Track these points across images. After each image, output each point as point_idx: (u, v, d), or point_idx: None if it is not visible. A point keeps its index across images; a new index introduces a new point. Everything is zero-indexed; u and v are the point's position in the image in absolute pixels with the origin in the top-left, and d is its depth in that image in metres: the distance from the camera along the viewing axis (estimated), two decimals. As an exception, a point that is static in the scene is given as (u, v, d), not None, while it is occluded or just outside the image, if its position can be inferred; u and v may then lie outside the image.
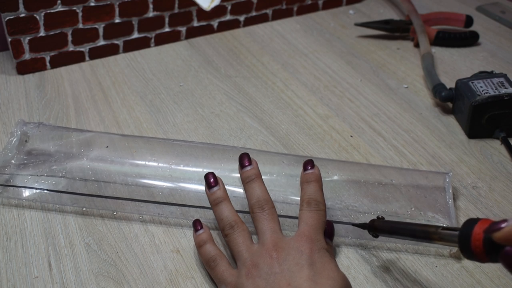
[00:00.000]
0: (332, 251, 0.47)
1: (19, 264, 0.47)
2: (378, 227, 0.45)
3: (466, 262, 0.48)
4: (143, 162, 0.54)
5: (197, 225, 0.48)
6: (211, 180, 0.48)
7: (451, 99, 0.66)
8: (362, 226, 0.47)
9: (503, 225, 0.34)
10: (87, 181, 0.53)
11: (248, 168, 0.48)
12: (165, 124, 0.65)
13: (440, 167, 0.59)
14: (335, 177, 0.54)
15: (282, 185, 0.52)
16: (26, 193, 0.52)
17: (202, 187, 0.50)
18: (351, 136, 0.64)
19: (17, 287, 0.45)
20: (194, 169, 0.54)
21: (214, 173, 0.48)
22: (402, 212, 0.51)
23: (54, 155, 0.55)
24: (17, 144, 0.55)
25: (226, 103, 0.69)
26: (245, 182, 0.48)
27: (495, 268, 0.48)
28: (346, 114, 0.67)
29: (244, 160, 0.49)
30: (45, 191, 0.52)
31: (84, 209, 0.52)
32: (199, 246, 0.47)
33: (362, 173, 0.54)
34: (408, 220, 0.50)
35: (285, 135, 0.63)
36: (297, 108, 0.68)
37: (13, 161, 0.54)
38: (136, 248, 0.49)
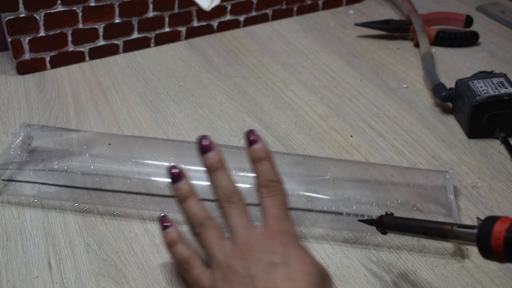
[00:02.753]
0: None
1: (19, 264, 0.47)
2: (387, 224, 0.44)
3: (466, 262, 0.48)
4: (144, 161, 0.55)
5: (164, 221, 0.45)
6: (175, 174, 0.44)
7: (451, 99, 0.66)
8: (369, 222, 0.46)
9: None
10: (89, 177, 0.53)
11: (211, 154, 0.44)
12: (165, 124, 0.65)
13: (440, 167, 0.59)
14: (335, 176, 0.54)
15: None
16: (28, 189, 0.52)
17: (202, 188, 0.50)
18: (351, 136, 0.64)
19: (17, 287, 0.45)
20: (195, 168, 0.54)
21: (178, 166, 0.45)
22: (403, 208, 0.51)
23: (56, 152, 0.55)
24: (20, 144, 0.55)
25: (226, 103, 0.69)
26: (209, 170, 0.44)
27: (495, 268, 0.48)
28: (346, 114, 0.67)
29: (206, 146, 0.44)
30: (47, 186, 0.52)
31: (85, 207, 0.52)
32: (169, 246, 0.44)
33: (362, 172, 0.54)
34: (416, 216, 0.49)
35: (285, 135, 0.63)
36: (297, 108, 0.68)
37: (15, 159, 0.54)
38: (136, 248, 0.49)
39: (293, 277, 0.39)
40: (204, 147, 0.44)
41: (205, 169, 0.44)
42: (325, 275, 0.40)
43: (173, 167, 0.44)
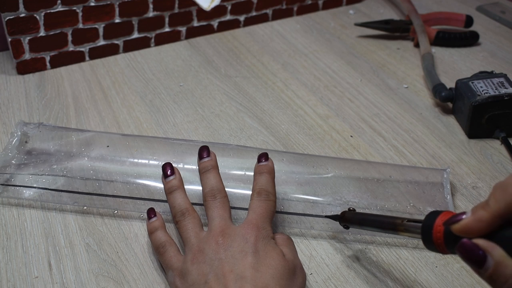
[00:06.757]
0: (291, 241, 0.46)
1: (19, 264, 0.47)
2: (349, 219, 0.46)
3: (466, 262, 0.48)
4: (143, 161, 0.55)
5: (150, 213, 0.49)
6: (168, 170, 0.49)
7: (451, 99, 0.66)
8: (334, 217, 0.48)
9: (462, 217, 0.34)
10: (88, 180, 0.53)
11: (206, 159, 0.49)
12: (165, 124, 0.65)
13: (440, 167, 0.59)
14: (334, 174, 0.54)
15: (280, 183, 0.53)
16: (27, 192, 0.52)
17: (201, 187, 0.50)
18: (351, 136, 0.64)
19: (17, 287, 0.45)
20: (194, 167, 0.54)
21: (172, 164, 0.50)
22: (401, 208, 0.51)
23: (54, 154, 0.55)
24: (17, 144, 0.55)
25: (226, 103, 0.69)
26: (201, 172, 0.49)
27: (495, 268, 0.48)
28: (346, 114, 0.67)
29: (203, 152, 0.50)
30: (46, 190, 0.52)
31: (85, 207, 0.52)
32: (150, 232, 0.48)
33: (361, 170, 0.54)
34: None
35: (285, 135, 0.63)
36: (297, 108, 0.68)
37: (13, 161, 0.54)
38: (136, 248, 0.49)
39: (259, 267, 0.40)
40: (202, 154, 0.49)
41: (199, 171, 0.49)
42: (296, 271, 0.42)
43: (166, 164, 0.50)
